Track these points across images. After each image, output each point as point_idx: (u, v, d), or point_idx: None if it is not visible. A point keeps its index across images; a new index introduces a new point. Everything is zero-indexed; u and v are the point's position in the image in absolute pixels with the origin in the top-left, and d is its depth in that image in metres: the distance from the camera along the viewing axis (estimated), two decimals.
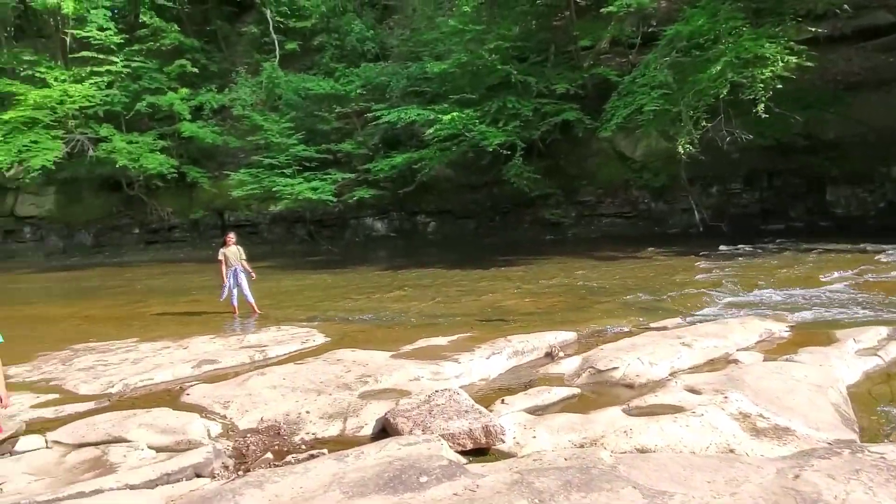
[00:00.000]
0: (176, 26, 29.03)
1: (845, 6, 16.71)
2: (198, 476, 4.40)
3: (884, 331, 7.05)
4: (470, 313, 9.77)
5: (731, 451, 4.33)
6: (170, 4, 29.09)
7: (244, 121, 26.40)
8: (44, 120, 26.51)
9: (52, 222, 31.74)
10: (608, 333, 7.83)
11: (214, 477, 4.43)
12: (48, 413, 5.89)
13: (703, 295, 10.03)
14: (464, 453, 4.52)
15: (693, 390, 5.42)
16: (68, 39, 28.73)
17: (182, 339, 8.96)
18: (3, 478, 4.33)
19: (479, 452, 4.58)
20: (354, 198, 23.22)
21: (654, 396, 5.34)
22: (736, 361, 6.40)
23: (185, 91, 27.97)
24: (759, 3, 16.28)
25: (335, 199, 23.46)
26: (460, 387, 5.96)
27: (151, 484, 4.17)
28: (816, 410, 4.89)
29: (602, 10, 19.28)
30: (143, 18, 28.41)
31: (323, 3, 29.17)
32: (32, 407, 6.04)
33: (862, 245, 14.05)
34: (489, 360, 6.73)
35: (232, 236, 11.50)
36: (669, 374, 6.05)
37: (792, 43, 15.23)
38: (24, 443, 5.03)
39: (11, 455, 4.84)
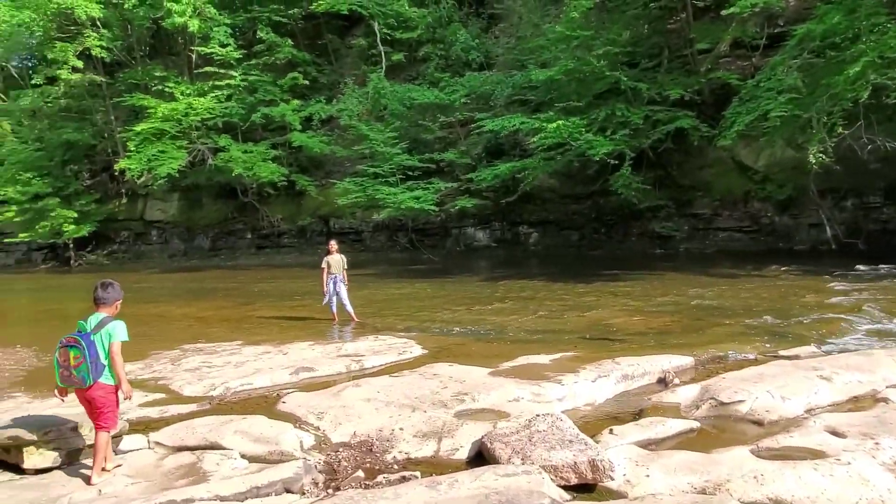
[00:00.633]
0: (290, 41, 30.35)
1: None
2: (287, 492, 4.24)
3: None
4: (573, 330, 9.24)
5: None
6: (285, 20, 30.47)
7: (351, 130, 27.08)
8: (170, 131, 28.48)
9: (175, 226, 34.05)
10: (730, 360, 7.08)
11: (304, 493, 4.26)
12: (153, 413, 6.00)
13: (841, 321, 8.95)
14: (567, 488, 4.11)
15: (835, 432, 4.72)
16: (194, 56, 30.77)
17: (283, 343, 9.05)
18: (105, 481, 4.35)
19: (584, 488, 4.15)
20: (456, 207, 23.12)
21: (788, 437, 4.68)
22: (886, 400, 5.55)
23: (296, 102, 29.14)
24: None
25: (437, 209, 23.48)
26: (563, 411, 5.52)
27: (241, 497, 4.05)
28: None
29: (723, 11, 18.08)
30: (260, 34, 29.92)
31: (429, 14, 29.51)
32: (140, 406, 6.18)
33: None
34: (595, 384, 6.22)
35: (335, 244, 11.59)
36: (805, 412, 5.33)
37: None
38: (127, 442, 5.10)
39: (115, 454, 4.90)
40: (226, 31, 29.53)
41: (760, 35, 19.98)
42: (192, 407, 6.18)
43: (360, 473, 4.58)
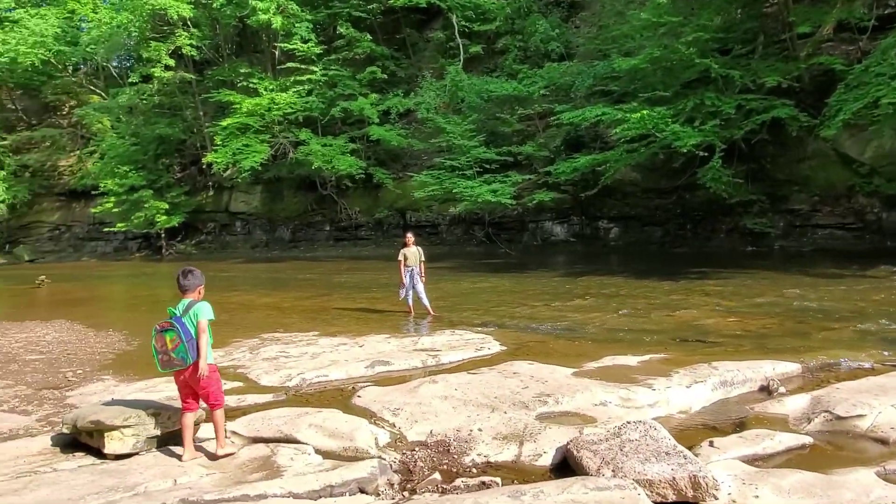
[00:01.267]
0: (368, 36, 30.64)
1: None
2: (361, 492, 4.05)
3: None
4: (662, 330, 8.67)
5: None
6: (364, 16, 30.76)
7: (428, 123, 27.03)
8: (254, 126, 29.37)
9: (257, 218, 35.16)
10: (843, 369, 6.39)
11: (379, 495, 4.06)
12: (231, 401, 5.95)
13: None
14: None
15: None
16: (277, 52, 31.59)
17: (359, 336, 8.97)
18: (181, 466, 4.30)
19: None
20: (534, 201, 22.62)
21: None
22: None
23: (374, 96, 29.38)
24: None
25: (514, 202, 23.06)
26: (654, 418, 5.09)
27: (314, 495, 3.90)
28: None
29: None
30: (340, 30, 30.35)
31: (508, 5, 29.04)
32: None
33: None
34: (690, 390, 5.73)
35: (411, 237, 11.44)
36: None
37: None
38: (206, 430, 5.06)
39: (194, 442, 4.86)
40: (307, 27, 30.11)
41: (869, 16, 18.39)
42: (269, 397, 6.14)
43: (437, 476, 4.34)
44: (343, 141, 29.58)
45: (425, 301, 10.98)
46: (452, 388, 5.85)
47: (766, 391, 5.90)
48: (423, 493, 4.09)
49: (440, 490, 4.12)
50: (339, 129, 30.72)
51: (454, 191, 23.41)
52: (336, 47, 30.77)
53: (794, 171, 19.72)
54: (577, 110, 20.87)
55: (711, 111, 18.19)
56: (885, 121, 14.82)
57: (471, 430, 4.96)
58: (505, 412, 5.25)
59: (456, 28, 30.00)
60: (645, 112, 18.09)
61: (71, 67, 42.22)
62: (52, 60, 37.59)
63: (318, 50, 29.80)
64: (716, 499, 3.75)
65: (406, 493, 4.10)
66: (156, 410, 4.64)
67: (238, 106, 29.42)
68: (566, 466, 4.37)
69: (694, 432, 4.97)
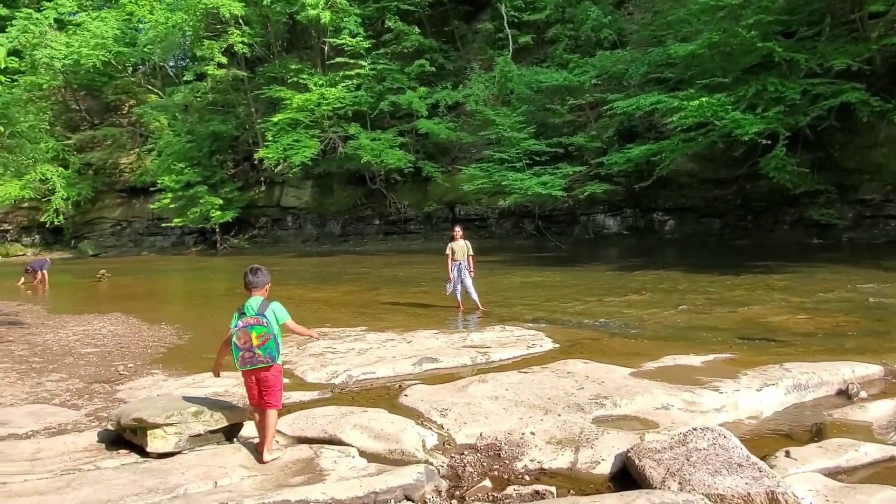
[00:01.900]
0: (417, 29, 30.50)
1: None
2: (407, 499, 3.83)
3: None
4: (725, 328, 8.19)
5: None
6: (412, 9, 30.62)
7: (477, 116, 26.73)
8: (304, 121, 29.65)
9: (308, 212, 35.56)
10: None
11: (425, 503, 3.83)
12: None
13: None
14: None
15: None
16: (326, 48, 31.78)
17: (407, 331, 8.79)
18: (223, 468, 4.18)
19: None
20: (585, 193, 22.07)
21: None
22: None
23: (422, 90, 29.24)
24: None
25: (565, 194, 22.56)
26: (721, 424, 4.73)
27: (357, 501, 3.70)
28: None
29: None
30: (389, 23, 30.31)
31: None
32: None
33: None
34: (760, 393, 5.31)
35: (459, 230, 11.20)
36: None
37: None
38: (249, 428, 4.94)
39: (239, 440, 4.76)
40: (356, 22, 30.17)
41: None
42: (314, 394, 6.01)
43: (487, 483, 4.09)
44: (392, 135, 29.57)
45: (474, 296, 10.73)
46: (503, 388, 5.59)
47: (845, 396, 5.43)
48: (473, 501, 3.85)
49: (491, 499, 3.87)
50: (387, 123, 30.72)
51: (503, 183, 23.06)
52: (384, 41, 30.76)
53: (864, 159, 18.64)
54: (631, 99, 20.22)
55: (775, 97, 17.32)
56: None
57: (523, 434, 4.69)
58: (559, 415, 4.96)
59: (505, 18, 29.55)
60: (703, 99, 17.37)
61: (130, 68, 43.66)
62: (113, 61, 38.87)
63: (366, 44, 29.83)
64: None
65: (455, 502, 3.87)
66: (199, 409, 4.53)
67: (288, 102, 29.74)
68: (626, 476, 4.06)
69: (767, 440, 4.59)
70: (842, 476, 3.95)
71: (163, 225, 38.68)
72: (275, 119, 29.96)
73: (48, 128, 40.64)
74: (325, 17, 28.96)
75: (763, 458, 4.00)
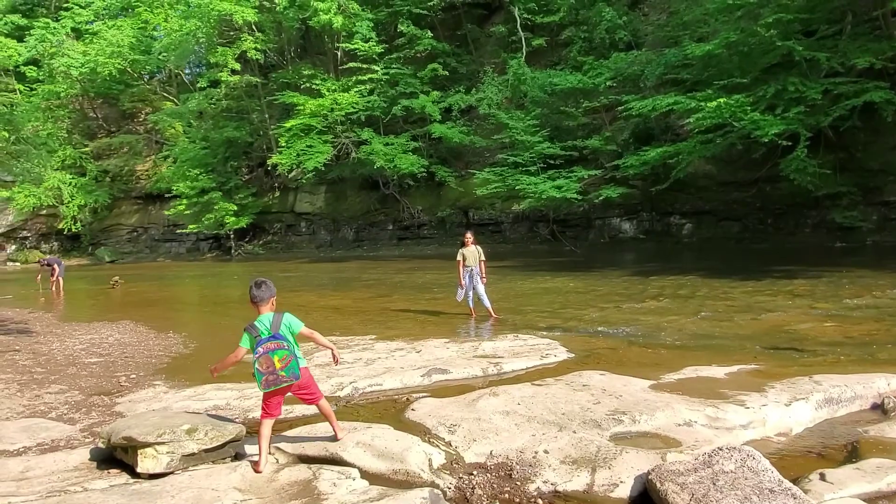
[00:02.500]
0: (429, 33, 30.34)
1: None
2: None
3: None
4: (749, 336, 7.83)
5: None
6: (425, 13, 30.48)
7: (490, 119, 26.50)
8: (317, 126, 29.58)
9: (322, 218, 35.50)
10: None
11: None
12: None
13: None
14: None
15: None
16: (339, 53, 31.72)
17: (417, 340, 8.53)
18: (215, 491, 3.94)
19: None
20: (601, 196, 21.72)
21: None
22: None
23: (435, 94, 29.06)
24: None
25: (580, 198, 22.23)
26: (748, 442, 4.42)
27: None
28: None
29: None
30: (401, 28, 30.18)
31: None
32: None
33: None
34: (790, 408, 4.97)
35: (470, 236, 10.92)
36: None
37: None
38: (248, 446, 4.71)
39: (236, 458, 4.53)
40: (368, 26, 30.09)
41: None
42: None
43: None
44: (405, 139, 29.41)
45: (486, 303, 10.45)
46: (515, 402, 5.31)
47: (881, 410, 5.08)
48: None
49: None
50: (400, 128, 30.57)
51: (517, 187, 22.79)
52: (397, 46, 30.64)
53: (889, 160, 18.16)
54: (648, 99, 19.89)
55: (795, 97, 16.93)
56: None
57: (536, 452, 4.40)
58: (574, 431, 4.66)
59: (518, 21, 29.31)
60: (722, 100, 17.01)
61: (146, 76, 44.00)
62: (129, 69, 39.15)
63: (379, 49, 29.74)
64: None
65: None
66: (192, 426, 4.30)
67: (301, 107, 29.71)
68: (647, 500, 3.76)
69: (798, 461, 4.26)
70: (882, 502, 3.63)
71: (178, 231, 38.83)
72: (288, 124, 29.94)
73: (66, 136, 41.14)
74: (338, 21, 28.93)
75: (794, 481, 3.69)
